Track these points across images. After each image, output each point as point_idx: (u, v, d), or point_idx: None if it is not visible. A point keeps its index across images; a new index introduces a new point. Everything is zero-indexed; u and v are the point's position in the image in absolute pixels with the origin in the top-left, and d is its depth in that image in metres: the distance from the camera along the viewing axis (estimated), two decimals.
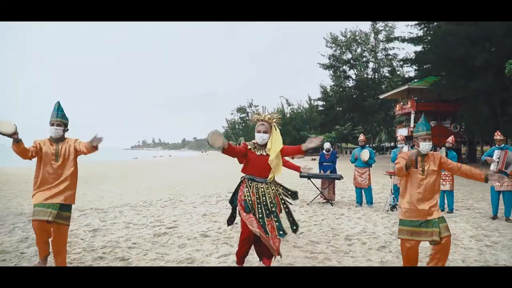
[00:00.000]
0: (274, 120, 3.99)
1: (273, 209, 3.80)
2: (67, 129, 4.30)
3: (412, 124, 32.58)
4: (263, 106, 4.39)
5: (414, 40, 32.39)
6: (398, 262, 4.59)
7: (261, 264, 4.18)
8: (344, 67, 51.37)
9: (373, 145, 51.11)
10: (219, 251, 4.92)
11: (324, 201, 9.45)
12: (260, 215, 3.73)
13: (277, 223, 3.75)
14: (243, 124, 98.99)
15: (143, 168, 27.88)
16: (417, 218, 3.81)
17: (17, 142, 3.87)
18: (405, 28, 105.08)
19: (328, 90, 53.82)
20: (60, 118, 4.17)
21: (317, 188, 9.72)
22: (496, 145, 7.53)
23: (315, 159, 10.20)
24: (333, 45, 50.62)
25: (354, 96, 50.39)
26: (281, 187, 4.27)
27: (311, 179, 9.80)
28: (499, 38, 21.20)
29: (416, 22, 31.29)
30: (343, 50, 50.75)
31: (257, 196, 3.81)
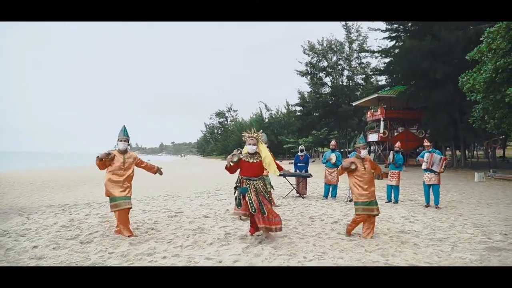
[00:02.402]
0: (259, 136, 5.98)
1: (265, 196, 5.77)
2: (130, 144, 6.36)
3: (381, 130, 35.22)
4: (253, 128, 6.38)
5: (382, 53, 34.93)
6: (343, 230, 6.63)
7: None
8: (321, 74, 53.39)
9: (349, 149, 53.63)
10: (219, 224, 6.91)
11: (297, 195, 11.51)
12: (257, 201, 5.65)
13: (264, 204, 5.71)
14: (222, 128, 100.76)
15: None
16: (367, 199, 6.05)
17: (101, 160, 5.93)
18: (375, 41, 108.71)
19: (306, 96, 56.13)
20: (125, 136, 6.21)
21: (291, 185, 11.80)
22: (425, 149, 9.88)
23: (292, 163, 12.45)
24: (310, 52, 52.75)
25: (330, 102, 52.47)
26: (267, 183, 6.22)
27: (287, 177, 11.85)
28: (458, 53, 23.65)
29: (385, 36, 33.75)
30: (320, 58, 52.86)
31: (254, 189, 5.72)
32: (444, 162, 9.62)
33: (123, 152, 6.18)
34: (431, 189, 9.76)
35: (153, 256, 4.83)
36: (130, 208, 6.04)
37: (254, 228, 5.94)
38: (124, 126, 6.29)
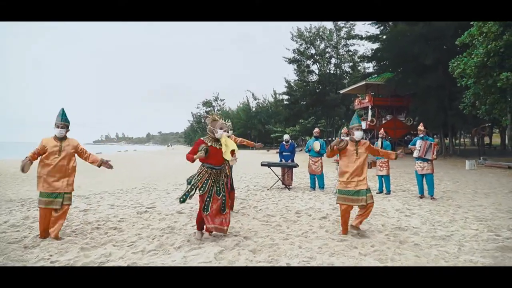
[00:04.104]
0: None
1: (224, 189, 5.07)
2: (69, 130, 5.35)
3: (369, 118, 34.61)
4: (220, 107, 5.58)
5: (370, 38, 34.17)
6: (333, 227, 5.88)
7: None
8: (308, 61, 52.66)
9: (336, 137, 52.99)
10: (193, 222, 6.08)
11: (283, 186, 10.75)
12: (217, 193, 4.97)
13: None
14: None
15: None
16: (352, 188, 5.23)
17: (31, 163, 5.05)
18: (363, 26, 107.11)
19: (293, 84, 55.28)
20: (63, 122, 5.23)
21: (276, 175, 11.01)
22: (419, 134, 9.12)
23: (278, 152, 11.75)
24: (299, 39, 51.86)
25: (317, 90, 51.84)
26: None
27: (271, 167, 11.07)
28: (448, 38, 23.06)
29: (373, 22, 33.01)
30: (308, 46, 52.04)
31: (214, 180, 5.01)
32: (435, 147, 8.96)
33: (60, 139, 5.23)
34: (424, 179, 9.08)
35: (105, 264, 4.00)
36: (57, 209, 5.04)
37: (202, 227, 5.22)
38: (62, 109, 5.32)
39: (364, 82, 34.31)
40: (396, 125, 33.62)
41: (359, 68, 50.57)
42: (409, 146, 9.40)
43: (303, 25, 54.74)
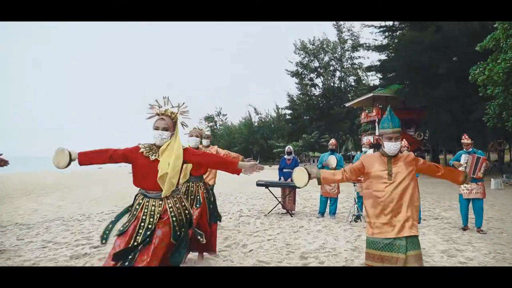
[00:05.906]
0: (180, 115, 3.14)
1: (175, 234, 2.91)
2: None
3: (377, 132, 32.55)
4: (166, 96, 3.29)
5: (379, 48, 32.41)
6: None
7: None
8: (312, 75, 51.30)
9: (340, 153, 51.07)
10: None
11: (284, 211, 8.64)
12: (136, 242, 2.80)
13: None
14: (211, 133, 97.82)
15: (103, 177, 26.36)
16: (383, 236, 3.00)
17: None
18: (370, 35, 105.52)
19: (295, 98, 53.62)
20: None
21: (275, 198, 8.89)
22: (464, 149, 6.97)
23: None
24: (302, 52, 50.53)
25: (321, 104, 50.34)
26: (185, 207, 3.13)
27: (269, 188, 8.95)
28: (462, 46, 21.25)
29: (380, 29, 31.40)
30: (311, 58, 50.72)
31: (143, 217, 2.87)
32: (484, 163, 6.68)
33: None
34: (471, 205, 6.91)
35: None
36: None
37: None
38: None
39: (371, 94, 32.25)
40: (405, 139, 31.53)
41: (364, 82, 48.84)
42: (451, 162, 7.22)
43: (307, 37, 53.59)
